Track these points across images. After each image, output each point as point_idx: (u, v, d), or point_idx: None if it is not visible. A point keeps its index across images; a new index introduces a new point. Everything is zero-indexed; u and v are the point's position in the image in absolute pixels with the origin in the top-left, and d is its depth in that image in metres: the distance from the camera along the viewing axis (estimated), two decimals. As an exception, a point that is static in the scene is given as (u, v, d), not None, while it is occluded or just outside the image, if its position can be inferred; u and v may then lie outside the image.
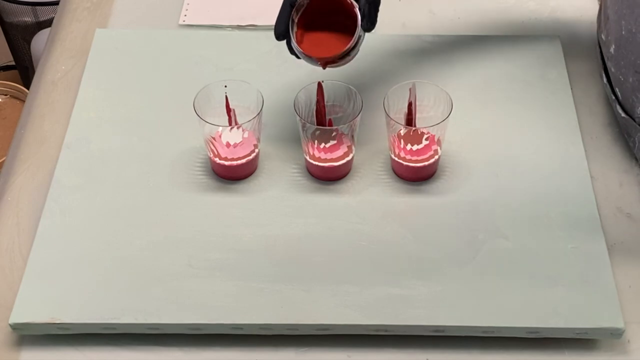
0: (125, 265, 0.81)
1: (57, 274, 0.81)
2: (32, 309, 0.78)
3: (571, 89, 0.97)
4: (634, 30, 0.83)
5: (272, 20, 0.99)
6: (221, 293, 0.79)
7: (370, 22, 0.82)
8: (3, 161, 0.98)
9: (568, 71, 0.99)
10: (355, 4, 0.82)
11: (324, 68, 0.83)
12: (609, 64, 0.89)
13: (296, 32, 0.83)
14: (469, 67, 0.99)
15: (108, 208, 0.86)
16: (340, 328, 0.78)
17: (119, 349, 0.79)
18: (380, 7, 0.82)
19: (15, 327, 0.78)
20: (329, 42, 0.83)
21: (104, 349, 0.79)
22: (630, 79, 0.85)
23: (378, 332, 0.78)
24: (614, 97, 0.90)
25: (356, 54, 0.84)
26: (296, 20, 0.82)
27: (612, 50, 0.87)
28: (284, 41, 0.83)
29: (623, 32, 0.84)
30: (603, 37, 0.90)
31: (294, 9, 0.82)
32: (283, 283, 0.80)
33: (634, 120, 0.87)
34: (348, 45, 0.81)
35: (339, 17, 0.83)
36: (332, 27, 0.84)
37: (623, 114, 0.88)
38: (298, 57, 0.84)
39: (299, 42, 0.83)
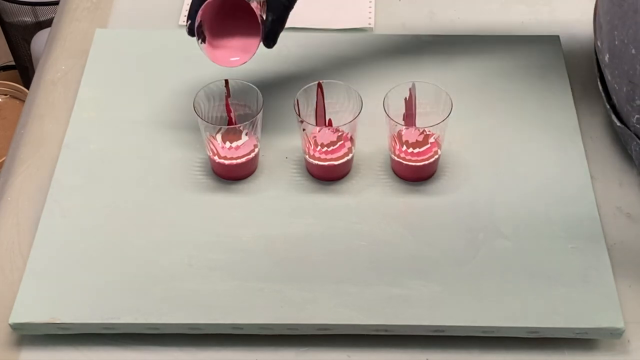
0: (125, 265, 0.81)
1: (57, 274, 0.81)
2: (32, 309, 0.78)
3: (571, 89, 0.97)
4: (625, 42, 0.81)
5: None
6: (221, 293, 0.79)
7: (272, 42, 0.83)
8: (3, 161, 0.98)
9: (568, 71, 0.99)
10: (257, 12, 0.81)
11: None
12: (605, 72, 0.89)
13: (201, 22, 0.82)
14: (469, 67, 0.99)
15: (108, 208, 0.86)
16: (340, 328, 0.78)
17: (119, 349, 0.79)
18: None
19: (15, 327, 0.78)
20: (233, 45, 0.84)
21: (104, 349, 0.79)
22: (624, 88, 0.84)
23: (378, 332, 0.78)
24: (609, 106, 0.89)
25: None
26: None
27: (606, 58, 0.86)
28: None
29: (616, 42, 0.83)
30: (599, 44, 0.89)
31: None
32: (283, 283, 0.80)
33: (629, 129, 0.86)
34: (245, 61, 0.83)
35: (243, 14, 0.83)
36: (236, 25, 0.84)
37: (619, 123, 0.88)
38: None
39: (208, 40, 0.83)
